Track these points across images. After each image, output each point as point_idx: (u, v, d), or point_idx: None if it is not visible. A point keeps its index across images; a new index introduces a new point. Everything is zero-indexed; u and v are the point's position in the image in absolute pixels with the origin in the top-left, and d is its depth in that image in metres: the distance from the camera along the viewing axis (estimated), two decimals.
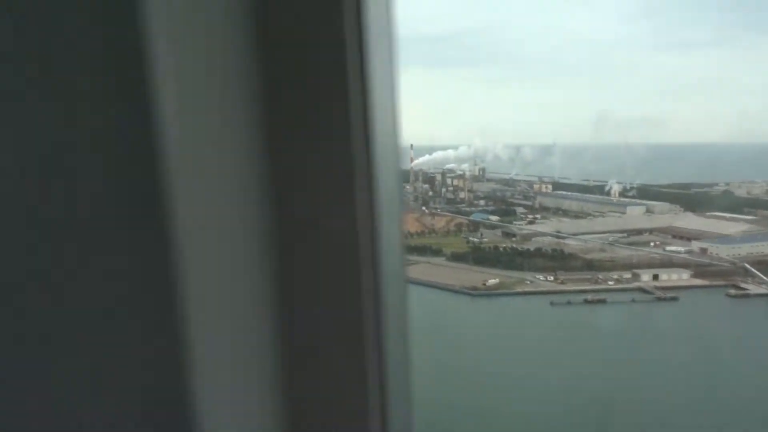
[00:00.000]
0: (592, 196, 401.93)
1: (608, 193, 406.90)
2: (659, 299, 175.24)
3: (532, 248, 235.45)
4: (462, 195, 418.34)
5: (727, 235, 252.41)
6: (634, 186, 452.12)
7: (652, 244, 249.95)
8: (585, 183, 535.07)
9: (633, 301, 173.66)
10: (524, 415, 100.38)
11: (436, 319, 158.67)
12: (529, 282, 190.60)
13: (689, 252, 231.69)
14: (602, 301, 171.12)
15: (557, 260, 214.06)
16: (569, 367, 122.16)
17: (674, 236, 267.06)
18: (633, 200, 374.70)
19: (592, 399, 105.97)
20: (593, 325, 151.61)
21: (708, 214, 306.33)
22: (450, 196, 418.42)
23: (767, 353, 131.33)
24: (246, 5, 2.04)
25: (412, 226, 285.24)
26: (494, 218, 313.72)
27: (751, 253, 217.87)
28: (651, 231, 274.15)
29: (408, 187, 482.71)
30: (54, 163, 1.67)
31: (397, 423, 2.42)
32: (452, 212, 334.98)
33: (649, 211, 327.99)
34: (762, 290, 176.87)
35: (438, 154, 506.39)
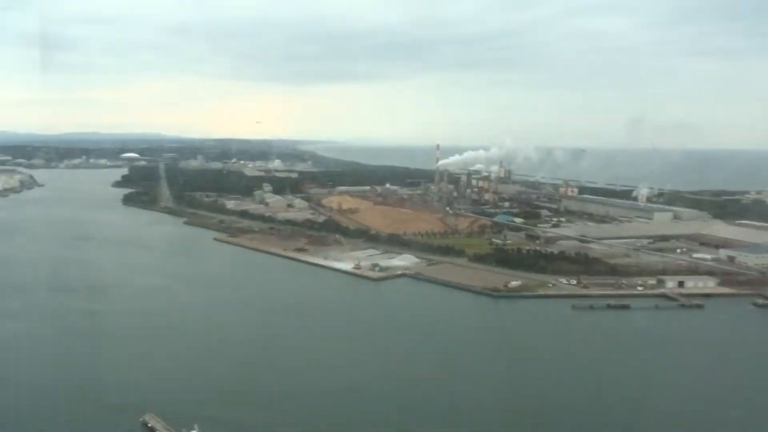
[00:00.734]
0: (618, 200, 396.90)
1: (635, 198, 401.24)
2: (684, 306, 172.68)
3: (555, 251, 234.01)
4: (487, 196, 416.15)
5: (756, 243, 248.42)
6: (664, 192, 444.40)
7: (678, 250, 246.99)
8: (611, 187, 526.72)
9: (657, 307, 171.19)
10: (533, 413, 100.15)
11: (454, 319, 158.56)
12: (551, 285, 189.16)
13: (716, 260, 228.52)
14: (625, 307, 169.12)
15: (581, 264, 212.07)
16: (587, 372, 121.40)
17: (701, 243, 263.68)
18: (661, 206, 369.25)
19: (607, 403, 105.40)
20: (614, 329, 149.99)
21: (737, 222, 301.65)
22: (475, 197, 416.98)
23: None
24: None
25: (435, 226, 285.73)
26: (519, 220, 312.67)
27: None
28: (678, 238, 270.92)
29: (433, 187, 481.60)
30: None
31: None
32: (476, 213, 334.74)
33: (676, 217, 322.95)
34: None
35: (469, 154, 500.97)
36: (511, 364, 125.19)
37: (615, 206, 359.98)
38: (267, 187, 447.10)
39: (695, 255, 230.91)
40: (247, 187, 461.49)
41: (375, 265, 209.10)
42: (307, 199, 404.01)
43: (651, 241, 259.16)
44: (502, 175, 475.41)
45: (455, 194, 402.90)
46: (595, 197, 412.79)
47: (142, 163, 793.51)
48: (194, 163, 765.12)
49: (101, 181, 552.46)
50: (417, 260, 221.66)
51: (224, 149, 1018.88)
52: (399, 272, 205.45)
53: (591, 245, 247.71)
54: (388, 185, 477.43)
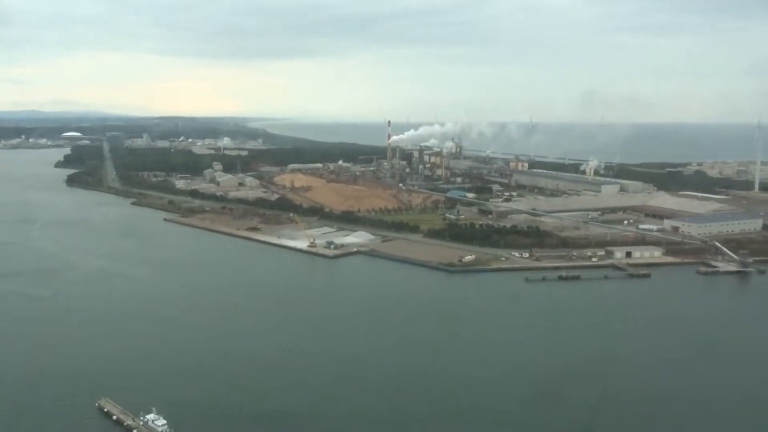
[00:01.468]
0: (567, 174, 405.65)
1: (584, 172, 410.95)
2: (631, 276, 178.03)
3: (508, 225, 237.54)
4: (439, 172, 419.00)
5: (698, 214, 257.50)
6: (611, 165, 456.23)
7: (625, 222, 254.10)
8: (561, 161, 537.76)
9: (606, 277, 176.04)
10: (489, 384, 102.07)
11: (410, 295, 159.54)
12: (504, 258, 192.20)
13: (661, 230, 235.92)
14: (576, 278, 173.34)
15: (533, 237, 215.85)
16: (538, 340, 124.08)
17: (647, 215, 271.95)
18: (608, 179, 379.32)
19: (556, 369, 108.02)
20: (566, 300, 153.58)
21: (681, 193, 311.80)
22: (427, 173, 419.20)
23: (735, 328, 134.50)
24: None
25: (389, 203, 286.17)
26: (471, 195, 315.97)
27: (722, 232, 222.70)
28: (625, 209, 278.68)
29: (385, 163, 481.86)
30: None
31: None
32: (430, 189, 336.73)
33: (623, 189, 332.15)
34: (731, 267, 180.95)
35: (424, 129, 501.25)
36: (467, 336, 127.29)
37: (564, 180, 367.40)
38: (217, 165, 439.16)
39: (641, 226, 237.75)
40: (197, 165, 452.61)
41: (330, 243, 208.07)
42: (259, 177, 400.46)
43: (599, 213, 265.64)
44: (453, 150, 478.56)
45: (408, 170, 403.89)
46: (545, 171, 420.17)
47: (85, 142, 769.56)
48: (140, 142, 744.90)
49: (42, 162, 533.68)
50: (372, 237, 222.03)
51: (170, 127, 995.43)
52: (354, 249, 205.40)
53: (542, 218, 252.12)
54: (340, 162, 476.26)
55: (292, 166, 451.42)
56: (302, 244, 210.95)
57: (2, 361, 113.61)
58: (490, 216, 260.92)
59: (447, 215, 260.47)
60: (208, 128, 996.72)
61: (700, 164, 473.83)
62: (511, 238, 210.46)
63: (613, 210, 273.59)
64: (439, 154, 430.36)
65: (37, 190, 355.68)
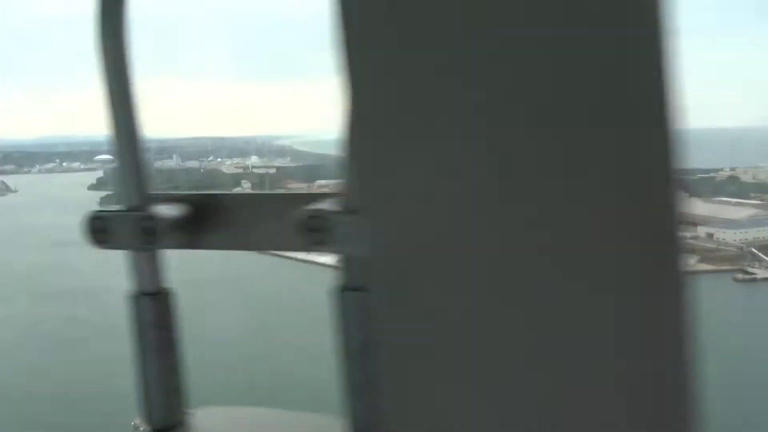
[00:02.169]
0: None
1: None
2: None
3: None
4: None
5: (733, 220, 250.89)
6: None
7: None
8: None
9: None
10: None
11: None
12: None
13: (695, 237, 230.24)
14: None
15: None
16: None
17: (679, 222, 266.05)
18: None
19: None
20: None
21: (714, 199, 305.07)
22: None
23: None
24: None
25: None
26: None
27: (758, 238, 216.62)
28: None
29: None
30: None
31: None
32: None
33: None
34: None
35: None
36: None
37: None
38: (246, 183, 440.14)
39: None
40: (226, 184, 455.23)
41: None
42: None
43: None
44: None
45: None
46: None
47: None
48: (170, 163, 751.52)
49: (77, 184, 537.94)
50: None
51: (199, 147, 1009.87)
52: None
53: None
54: None
55: (319, 182, 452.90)
56: (331, 259, 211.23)
57: (39, 380, 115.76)
58: None
59: None
60: (237, 147, 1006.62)
61: (733, 169, 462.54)
62: None
63: None
64: None
65: (73, 212, 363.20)
